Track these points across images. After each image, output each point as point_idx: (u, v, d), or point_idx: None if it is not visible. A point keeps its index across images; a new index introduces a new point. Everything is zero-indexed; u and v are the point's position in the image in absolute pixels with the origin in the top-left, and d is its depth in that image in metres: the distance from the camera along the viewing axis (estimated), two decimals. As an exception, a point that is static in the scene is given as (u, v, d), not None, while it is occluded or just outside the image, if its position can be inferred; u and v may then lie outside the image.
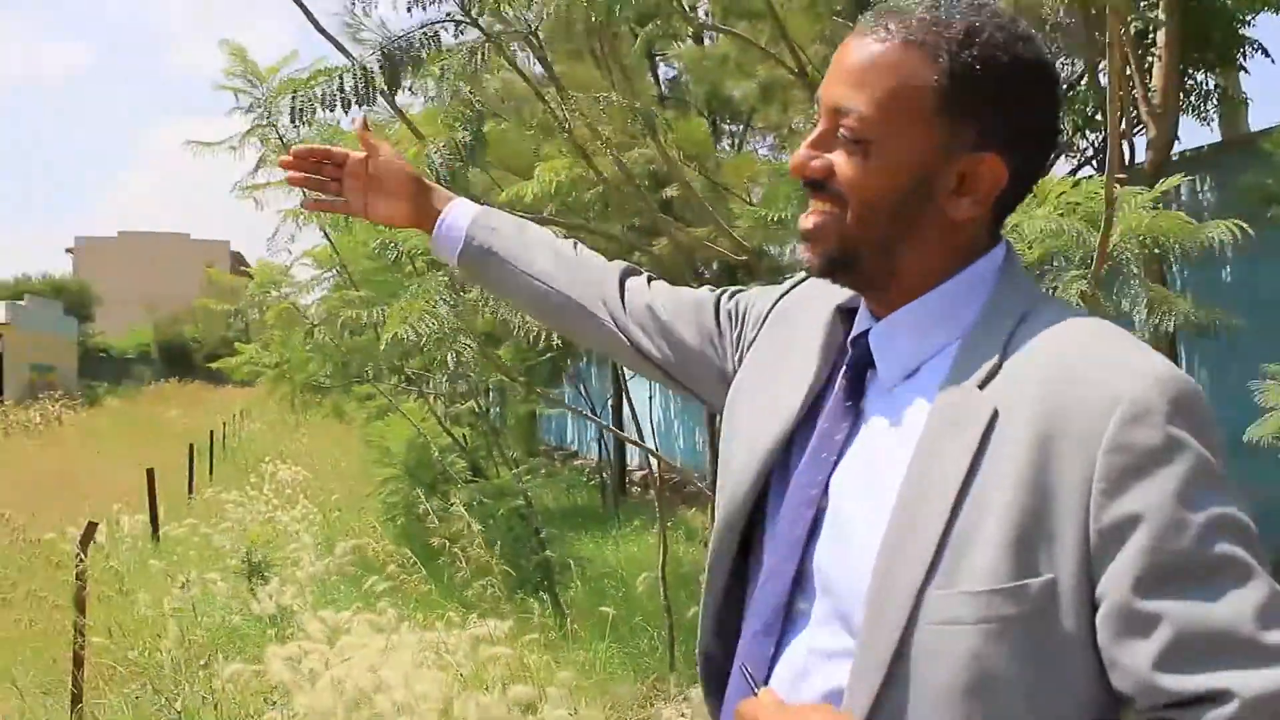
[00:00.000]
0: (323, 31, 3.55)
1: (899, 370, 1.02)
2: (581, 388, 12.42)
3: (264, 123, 7.49)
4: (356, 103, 3.45)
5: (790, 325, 1.17)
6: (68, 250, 72.26)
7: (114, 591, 4.66)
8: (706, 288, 1.34)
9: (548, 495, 9.98)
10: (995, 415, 0.91)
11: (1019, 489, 0.88)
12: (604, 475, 11.85)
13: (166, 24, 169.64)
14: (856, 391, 1.05)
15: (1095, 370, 0.90)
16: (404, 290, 3.92)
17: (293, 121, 3.73)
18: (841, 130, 0.99)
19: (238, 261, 76.13)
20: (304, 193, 1.54)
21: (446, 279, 3.77)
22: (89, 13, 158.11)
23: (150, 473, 7.57)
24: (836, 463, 1.03)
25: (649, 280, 1.38)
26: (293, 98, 3.59)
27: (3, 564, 6.49)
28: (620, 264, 1.41)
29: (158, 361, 48.61)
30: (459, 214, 1.45)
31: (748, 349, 1.22)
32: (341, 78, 3.39)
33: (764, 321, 1.22)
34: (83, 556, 4.22)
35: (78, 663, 4.19)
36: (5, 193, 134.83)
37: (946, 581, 0.89)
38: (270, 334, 8.07)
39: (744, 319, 1.26)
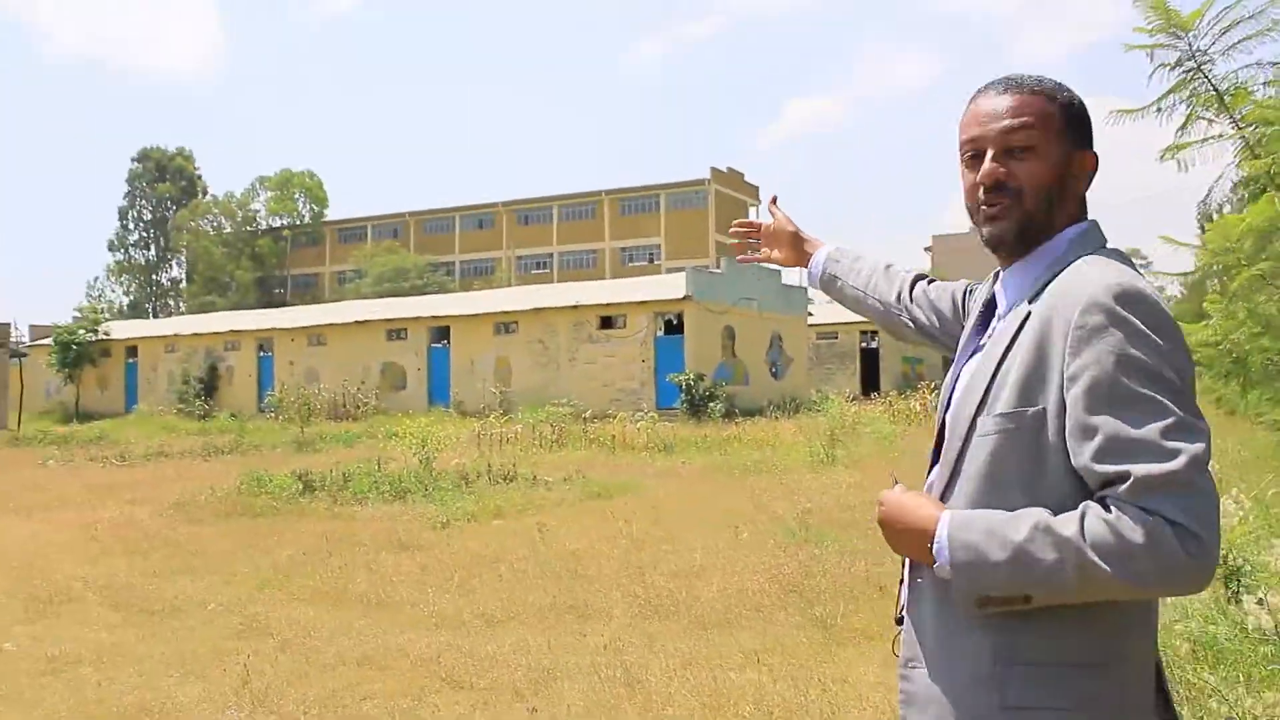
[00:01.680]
0: None
1: (1008, 303, 1.78)
2: None
3: (1191, 75, 6.89)
4: None
5: (976, 296, 2.02)
6: (925, 249, 78.98)
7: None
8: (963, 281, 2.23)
9: None
10: (1029, 315, 1.65)
11: (1029, 353, 1.60)
12: None
13: (1005, 21, 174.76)
14: (988, 321, 1.84)
15: (1076, 283, 1.59)
16: None
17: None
18: (1016, 144, 1.72)
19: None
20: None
21: None
22: (941, 23, 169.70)
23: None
24: (966, 362, 1.80)
25: (930, 281, 2.25)
26: None
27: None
28: (915, 271, 2.30)
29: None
30: (820, 256, 2.42)
31: (967, 317, 2.03)
32: None
33: (975, 298, 2.02)
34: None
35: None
36: (870, 199, 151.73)
37: (987, 411, 1.64)
38: (1226, 307, 7.32)
39: (971, 295, 2.12)
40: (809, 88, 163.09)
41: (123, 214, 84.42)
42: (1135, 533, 1.39)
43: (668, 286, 33.68)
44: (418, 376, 36.66)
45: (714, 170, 67.44)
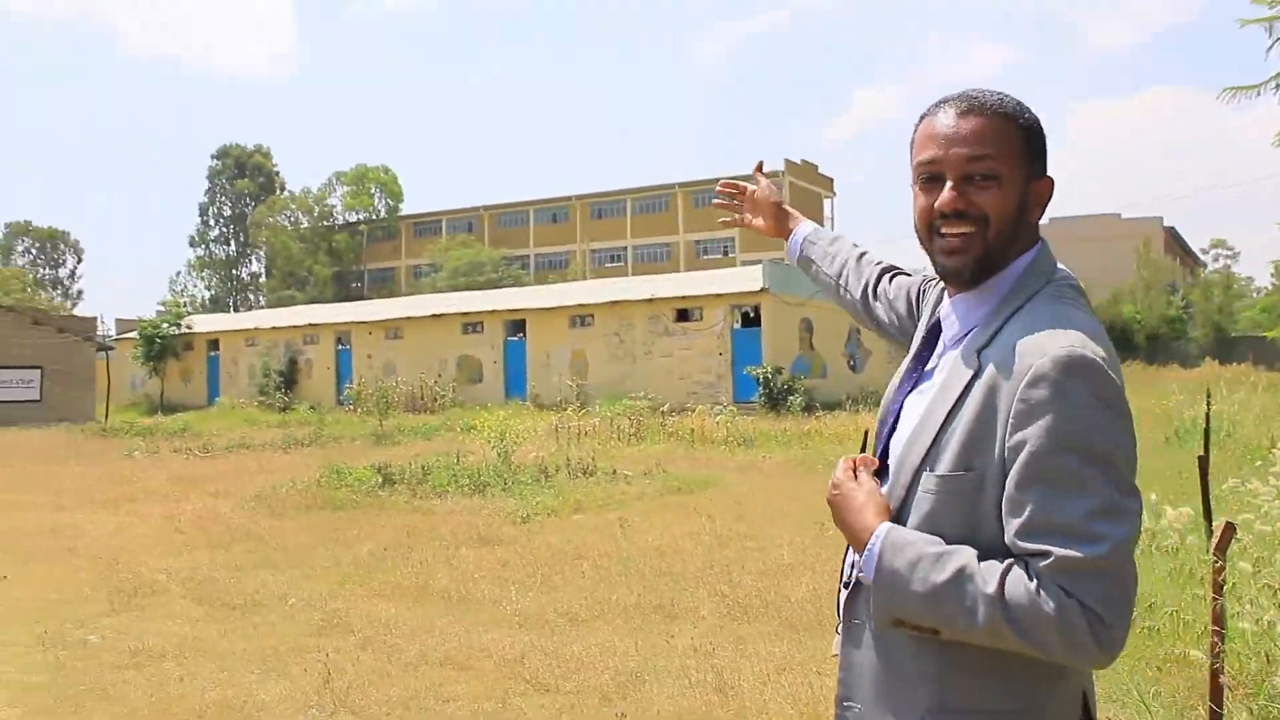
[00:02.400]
0: None
1: (954, 333, 1.75)
2: None
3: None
4: None
5: (927, 303, 1.98)
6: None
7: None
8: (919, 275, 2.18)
9: None
10: (979, 369, 1.61)
11: (974, 416, 1.58)
12: None
13: (1073, 11, 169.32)
14: (931, 346, 1.82)
15: (1028, 348, 1.54)
16: None
17: None
18: (979, 172, 1.65)
19: (1172, 237, 72.99)
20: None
21: None
22: (1011, 13, 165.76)
23: (1203, 460, 6.99)
24: (909, 391, 1.79)
25: (893, 276, 2.22)
26: None
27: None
28: (884, 264, 2.27)
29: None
30: (800, 232, 2.43)
31: (920, 316, 2.01)
32: None
33: (927, 299, 2.01)
34: (1222, 564, 3.82)
35: (1214, 684, 3.84)
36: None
37: (930, 467, 1.62)
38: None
39: (925, 295, 2.07)
40: (877, 79, 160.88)
41: (203, 210, 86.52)
42: (1050, 610, 1.42)
43: (744, 279, 33.32)
44: (494, 369, 36.80)
45: (788, 162, 66.75)
